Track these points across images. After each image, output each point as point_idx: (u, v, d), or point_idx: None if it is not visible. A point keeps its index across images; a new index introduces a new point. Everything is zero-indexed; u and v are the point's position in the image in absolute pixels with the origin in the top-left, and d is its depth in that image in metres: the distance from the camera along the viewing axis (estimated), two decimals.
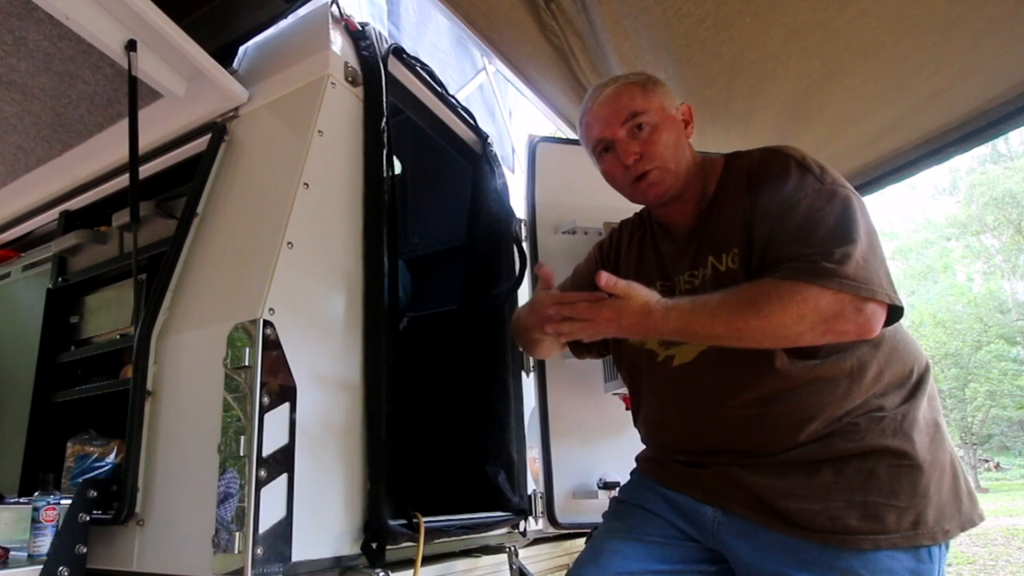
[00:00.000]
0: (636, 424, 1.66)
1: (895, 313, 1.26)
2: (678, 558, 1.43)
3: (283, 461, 1.38)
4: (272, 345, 1.41)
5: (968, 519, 1.27)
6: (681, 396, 1.46)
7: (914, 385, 1.34)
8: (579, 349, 1.81)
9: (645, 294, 1.31)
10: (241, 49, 2.13)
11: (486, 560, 2.04)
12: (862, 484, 1.24)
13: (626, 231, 1.78)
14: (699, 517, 1.41)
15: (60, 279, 2.27)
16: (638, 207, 1.78)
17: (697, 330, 1.27)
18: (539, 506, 2.27)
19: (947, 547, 1.26)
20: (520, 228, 2.56)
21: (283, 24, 2.10)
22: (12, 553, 1.44)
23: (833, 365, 1.30)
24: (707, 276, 1.43)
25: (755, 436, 1.33)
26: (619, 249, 1.76)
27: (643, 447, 1.66)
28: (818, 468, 1.27)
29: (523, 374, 2.41)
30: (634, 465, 1.67)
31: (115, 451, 1.83)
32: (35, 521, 1.43)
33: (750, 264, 1.35)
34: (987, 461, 26.24)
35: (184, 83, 1.97)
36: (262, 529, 1.30)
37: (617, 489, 1.76)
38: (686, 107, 1.56)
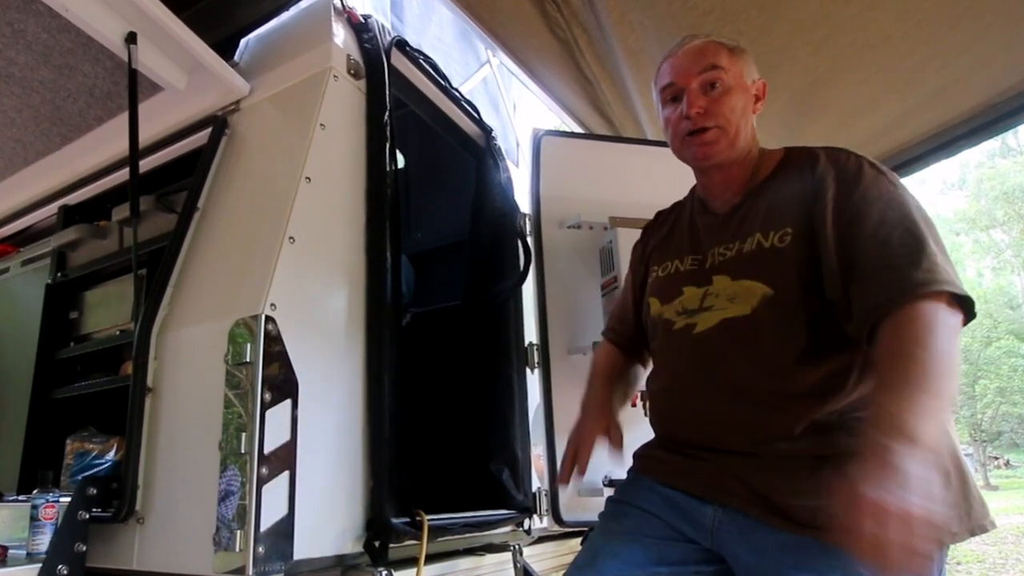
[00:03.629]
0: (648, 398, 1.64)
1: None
2: (676, 559, 1.40)
3: (285, 458, 1.36)
4: (274, 341, 1.40)
5: (979, 524, 1.24)
6: (696, 364, 1.43)
7: None
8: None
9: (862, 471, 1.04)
10: (242, 42, 2.11)
11: (490, 558, 2.03)
12: None
13: (659, 219, 1.75)
14: (699, 517, 1.38)
15: (59, 274, 2.26)
16: (654, 204, 1.77)
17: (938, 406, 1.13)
18: (543, 504, 2.26)
19: (947, 547, 1.24)
20: (524, 223, 2.54)
21: (285, 16, 2.09)
22: (11, 551, 1.43)
23: (850, 353, 1.28)
24: (746, 250, 1.40)
25: (761, 417, 1.31)
26: (648, 239, 1.74)
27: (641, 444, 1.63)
28: (819, 464, 1.25)
29: (527, 371, 2.40)
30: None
31: (115, 448, 1.82)
32: (34, 519, 1.42)
33: (804, 245, 1.32)
34: (997, 459, 26.10)
35: (185, 76, 1.96)
36: (263, 527, 1.28)
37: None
38: (762, 83, 1.52)
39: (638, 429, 1.66)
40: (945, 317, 1.17)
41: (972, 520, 1.23)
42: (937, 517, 0.98)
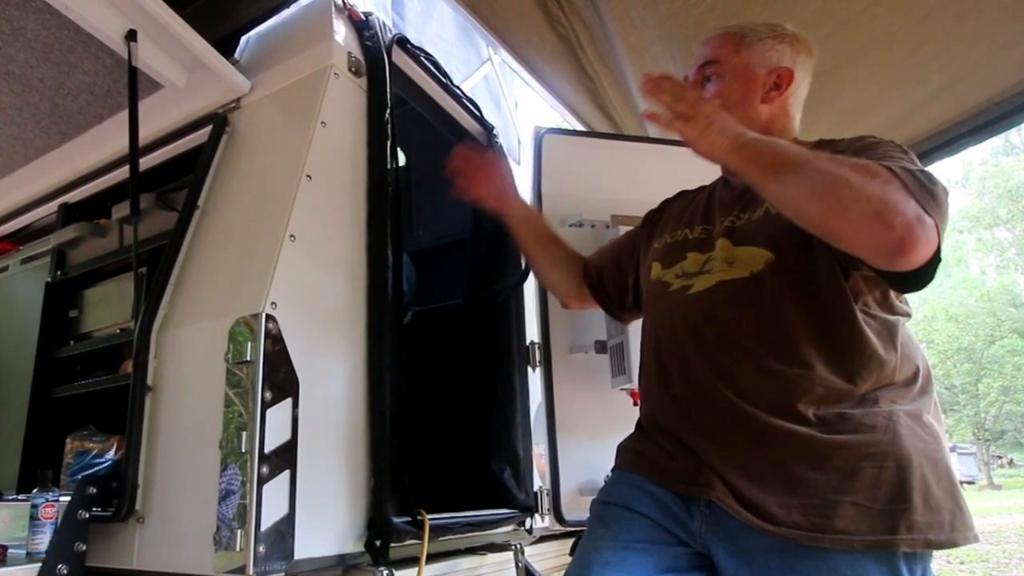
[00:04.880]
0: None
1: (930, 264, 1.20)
2: (669, 566, 1.37)
3: (285, 457, 1.36)
4: (274, 339, 1.39)
5: (962, 536, 1.20)
6: (686, 324, 1.41)
7: (919, 389, 1.30)
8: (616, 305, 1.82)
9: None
10: (243, 39, 2.10)
11: (491, 558, 2.02)
12: (843, 483, 1.19)
13: (683, 194, 1.78)
14: (686, 519, 1.35)
15: (59, 272, 2.25)
16: (656, 202, 1.81)
17: (784, 156, 1.20)
18: (545, 503, 2.24)
19: (931, 554, 1.22)
20: None
21: (285, 14, 2.07)
22: (10, 551, 1.42)
23: (850, 345, 1.26)
24: (753, 219, 1.40)
25: (751, 386, 1.28)
26: (666, 208, 1.77)
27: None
28: (802, 463, 1.23)
29: (529, 369, 2.39)
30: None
31: (115, 447, 1.81)
32: (34, 518, 1.41)
33: None
34: (1000, 457, 26.15)
35: (185, 73, 1.95)
36: (264, 526, 1.28)
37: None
38: (785, 71, 1.51)
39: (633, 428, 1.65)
40: (890, 192, 1.13)
41: (954, 530, 1.18)
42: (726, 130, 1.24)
